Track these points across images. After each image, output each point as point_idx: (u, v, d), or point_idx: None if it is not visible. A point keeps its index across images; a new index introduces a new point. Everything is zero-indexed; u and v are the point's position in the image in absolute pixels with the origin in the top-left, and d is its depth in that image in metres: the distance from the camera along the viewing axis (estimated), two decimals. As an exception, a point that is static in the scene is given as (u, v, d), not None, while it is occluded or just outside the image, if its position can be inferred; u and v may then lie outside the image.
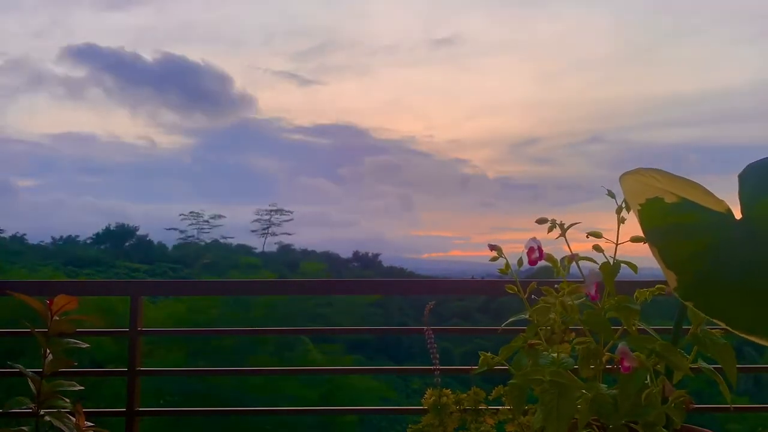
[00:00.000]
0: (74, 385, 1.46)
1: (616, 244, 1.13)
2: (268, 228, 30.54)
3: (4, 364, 1.68)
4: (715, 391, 1.14)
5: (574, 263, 1.15)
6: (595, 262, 1.13)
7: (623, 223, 1.14)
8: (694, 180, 1.09)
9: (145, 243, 27.06)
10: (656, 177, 1.09)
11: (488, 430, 1.37)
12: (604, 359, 1.12)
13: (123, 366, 1.88)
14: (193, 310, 11.48)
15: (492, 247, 1.21)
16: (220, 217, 29.53)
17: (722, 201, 1.07)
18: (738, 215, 1.04)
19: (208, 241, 28.38)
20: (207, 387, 8.90)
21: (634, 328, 1.10)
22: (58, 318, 1.46)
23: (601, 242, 1.13)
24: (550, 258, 1.17)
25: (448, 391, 1.40)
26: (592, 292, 1.07)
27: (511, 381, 1.12)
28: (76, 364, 1.52)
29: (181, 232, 28.79)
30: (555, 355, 1.10)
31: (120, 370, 1.91)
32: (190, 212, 29.58)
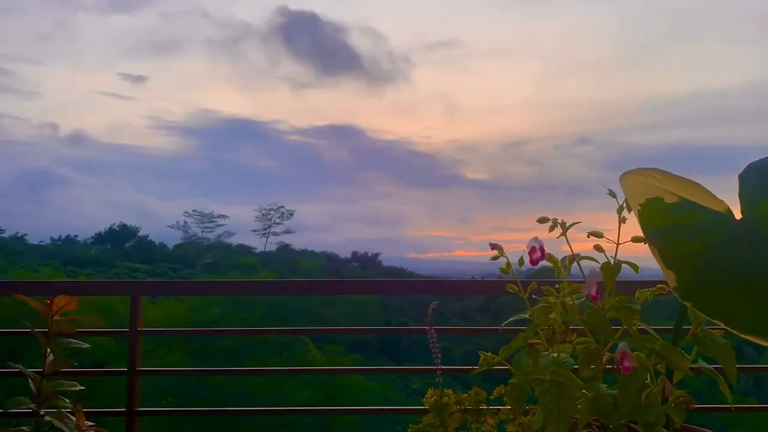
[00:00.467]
0: (74, 385, 1.46)
1: (617, 244, 1.12)
2: (269, 228, 30.58)
3: (5, 364, 1.68)
4: (715, 391, 1.14)
5: (575, 263, 1.15)
6: (596, 261, 1.13)
7: (624, 222, 1.14)
8: (694, 180, 1.09)
9: (145, 243, 27.09)
10: (656, 177, 1.09)
11: (489, 430, 1.37)
12: (604, 359, 1.12)
13: (123, 366, 1.88)
14: (193, 310, 11.50)
15: (493, 246, 1.21)
16: (224, 216, 29.64)
17: (722, 201, 1.06)
18: (738, 215, 1.04)
19: (211, 240, 28.44)
20: (207, 387, 8.91)
21: (634, 328, 1.10)
22: (58, 318, 1.46)
23: (602, 242, 1.13)
24: (551, 258, 1.17)
25: (450, 391, 1.40)
26: (593, 292, 1.07)
27: (511, 381, 1.12)
28: (76, 364, 1.52)
29: (185, 231, 28.85)
30: (555, 355, 1.09)
31: (120, 370, 1.91)
32: (194, 210, 29.69)
